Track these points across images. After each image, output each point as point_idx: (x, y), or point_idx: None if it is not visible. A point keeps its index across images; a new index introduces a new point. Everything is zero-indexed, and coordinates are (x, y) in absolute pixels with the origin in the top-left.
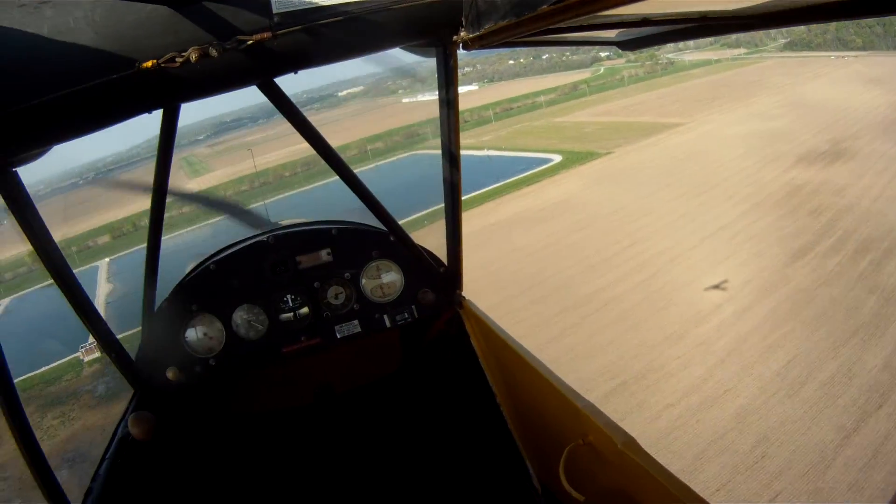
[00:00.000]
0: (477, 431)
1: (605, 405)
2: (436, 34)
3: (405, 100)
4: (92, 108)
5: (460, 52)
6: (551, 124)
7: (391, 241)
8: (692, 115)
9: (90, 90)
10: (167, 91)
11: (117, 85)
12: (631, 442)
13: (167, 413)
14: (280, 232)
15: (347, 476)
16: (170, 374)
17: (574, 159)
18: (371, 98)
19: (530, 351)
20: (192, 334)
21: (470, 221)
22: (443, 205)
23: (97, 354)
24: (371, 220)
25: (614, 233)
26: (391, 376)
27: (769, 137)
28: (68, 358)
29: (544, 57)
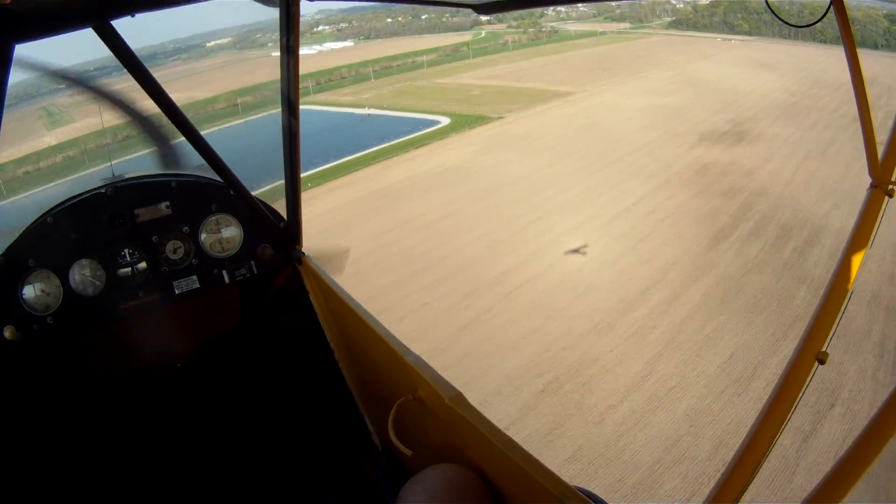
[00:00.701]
0: (317, 389)
1: (539, 406)
2: None
3: (274, 53)
4: None
5: (311, 4)
6: (435, 85)
7: (231, 196)
8: (583, 85)
9: None
10: None
11: None
12: (458, 396)
13: (4, 373)
14: (120, 183)
15: (186, 436)
16: (6, 332)
17: (463, 122)
18: (239, 50)
19: (365, 307)
20: (30, 291)
21: (355, 185)
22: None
23: None
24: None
25: (518, 204)
26: (231, 334)
27: (667, 113)
28: None
29: (423, 17)
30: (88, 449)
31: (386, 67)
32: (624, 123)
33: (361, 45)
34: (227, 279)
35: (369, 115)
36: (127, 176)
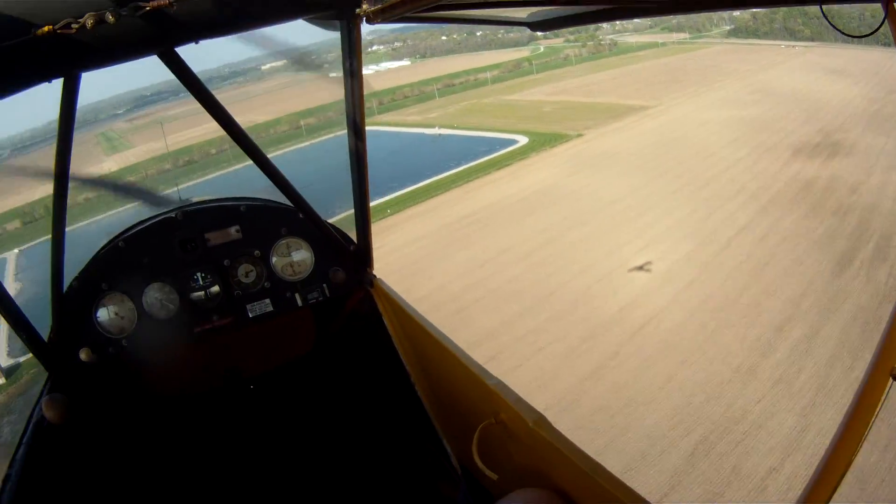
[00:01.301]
0: (393, 413)
1: (692, 473)
2: (338, 6)
3: (332, 74)
4: None
5: (367, 25)
6: (503, 102)
7: (301, 219)
8: (657, 98)
9: None
10: (65, 59)
11: (12, 53)
12: (541, 420)
13: (81, 395)
14: (189, 208)
15: (260, 459)
16: (82, 355)
17: (542, 141)
18: (296, 72)
19: (441, 330)
20: (104, 314)
21: (438, 212)
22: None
23: (0, 381)
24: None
25: (620, 231)
26: (305, 357)
27: (751, 125)
28: None
29: (478, 34)
30: (162, 470)
31: (448, 85)
32: (710, 138)
33: (418, 63)
34: (299, 302)
35: (440, 135)
36: (195, 200)
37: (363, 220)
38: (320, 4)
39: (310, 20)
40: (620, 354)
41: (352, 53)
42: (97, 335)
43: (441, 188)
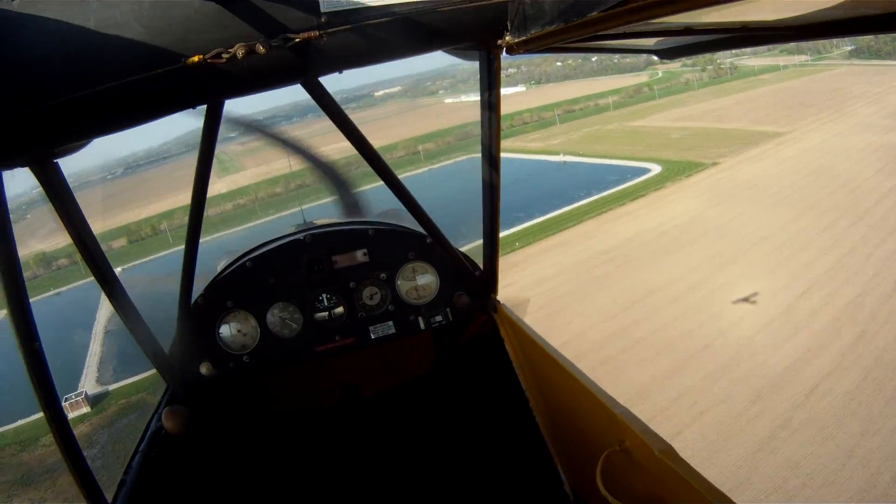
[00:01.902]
0: (508, 436)
1: None
2: (480, 37)
3: (448, 100)
4: (136, 103)
5: (503, 55)
6: (628, 128)
7: (427, 244)
8: (789, 124)
9: (135, 84)
10: (212, 87)
11: (162, 80)
12: (668, 450)
13: (198, 407)
14: (317, 231)
15: (373, 478)
16: (203, 369)
17: (676, 170)
18: (410, 98)
19: (567, 357)
20: (227, 330)
21: (573, 245)
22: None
23: (85, 409)
24: (409, 224)
25: (775, 272)
26: (423, 378)
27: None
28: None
29: (594, 59)
30: (274, 485)
31: (568, 111)
32: (854, 167)
33: (533, 89)
34: (422, 325)
35: (565, 162)
36: (318, 222)
37: (491, 246)
38: (464, 36)
39: (449, 51)
40: (792, 423)
41: (491, 83)
42: (219, 350)
43: (573, 220)
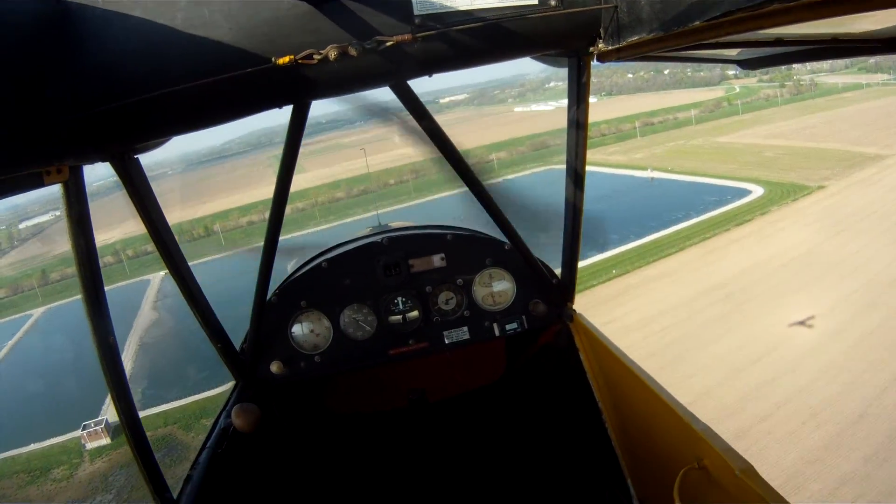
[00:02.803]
0: (578, 447)
1: None
2: (572, 44)
3: (517, 109)
4: (221, 101)
5: (593, 63)
6: (715, 145)
7: (505, 250)
8: (891, 146)
9: (221, 83)
10: (301, 87)
11: (249, 79)
12: (749, 469)
13: (267, 405)
14: (395, 234)
15: (438, 484)
16: (274, 367)
17: (779, 192)
18: (477, 106)
19: (646, 371)
20: (300, 330)
21: (678, 277)
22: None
23: (104, 441)
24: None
25: None
26: (493, 385)
27: None
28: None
29: (666, 72)
30: (340, 485)
31: (647, 124)
32: None
33: (604, 100)
34: (497, 332)
35: (653, 178)
36: (394, 225)
37: (571, 255)
38: (556, 42)
39: (537, 57)
40: None
41: (580, 90)
42: (290, 350)
43: (673, 245)
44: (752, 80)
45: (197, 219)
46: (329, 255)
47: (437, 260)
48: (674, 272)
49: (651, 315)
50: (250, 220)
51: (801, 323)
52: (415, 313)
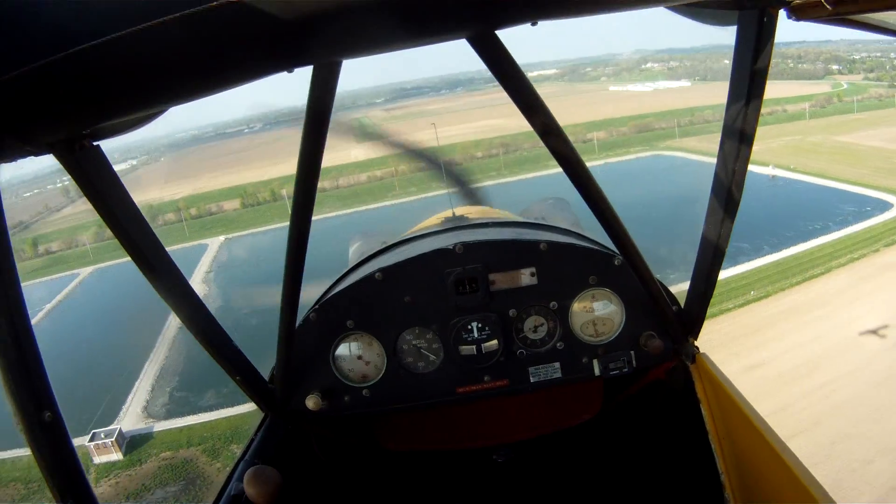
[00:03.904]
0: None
1: None
2: None
3: (612, 88)
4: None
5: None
6: (837, 144)
7: (615, 266)
8: None
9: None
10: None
11: (291, 30)
12: None
13: (304, 441)
14: (471, 240)
15: None
16: (310, 402)
17: None
18: (568, 82)
19: (777, 432)
20: (345, 356)
21: (831, 311)
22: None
23: (114, 456)
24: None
25: None
26: (583, 425)
27: None
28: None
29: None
30: None
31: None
32: None
33: (699, 85)
34: (596, 371)
35: (775, 176)
36: (471, 214)
37: (705, 279)
38: None
39: (696, 12)
40: None
41: (757, 53)
42: (332, 380)
43: (817, 264)
44: (858, 76)
45: (267, 180)
46: (386, 265)
47: (527, 276)
48: (825, 302)
49: (808, 361)
50: (337, 184)
51: None
52: (493, 343)
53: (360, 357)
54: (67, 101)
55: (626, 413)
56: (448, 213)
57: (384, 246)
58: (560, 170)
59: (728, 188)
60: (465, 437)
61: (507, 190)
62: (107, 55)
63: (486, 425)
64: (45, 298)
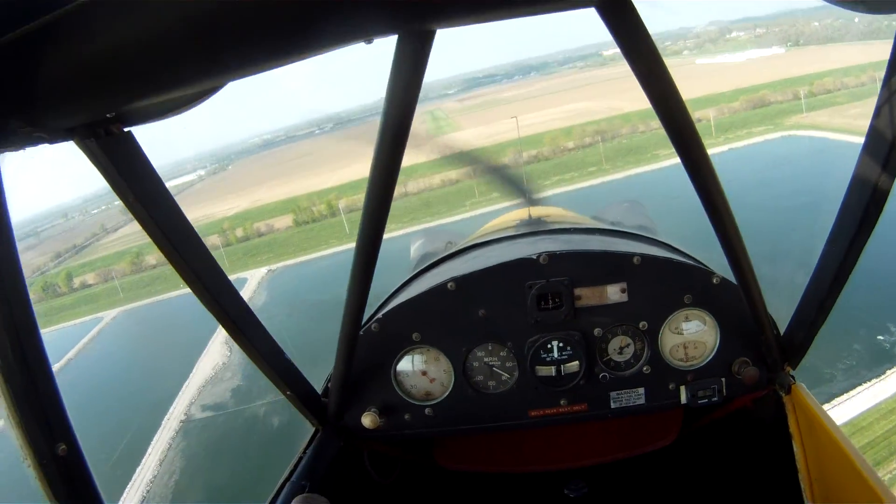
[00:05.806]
0: None
1: None
2: None
3: (699, 61)
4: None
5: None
6: None
7: (714, 284)
8: None
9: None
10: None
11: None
12: None
13: (358, 458)
14: (557, 250)
15: None
16: (366, 420)
17: None
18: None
19: (873, 468)
20: (408, 371)
21: None
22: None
23: None
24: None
25: None
26: (658, 454)
27: None
28: None
29: (856, 20)
30: None
31: (874, 79)
32: None
33: (793, 51)
34: (683, 399)
35: None
36: (552, 216)
37: (818, 305)
38: None
39: None
40: None
41: None
42: (393, 396)
43: None
44: None
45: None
46: (459, 274)
47: (616, 292)
48: None
49: None
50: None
51: None
52: (574, 364)
53: (424, 373)
54: (85, 76)
55: (706, 442)
56: (523, 214)
57: (453, 249)
58: (667, 163)
59: (870, 193)
60: (530, 459)
61: (598, 190)
62: (130, 15)
63: (554, 449)
64: (56, 355)
